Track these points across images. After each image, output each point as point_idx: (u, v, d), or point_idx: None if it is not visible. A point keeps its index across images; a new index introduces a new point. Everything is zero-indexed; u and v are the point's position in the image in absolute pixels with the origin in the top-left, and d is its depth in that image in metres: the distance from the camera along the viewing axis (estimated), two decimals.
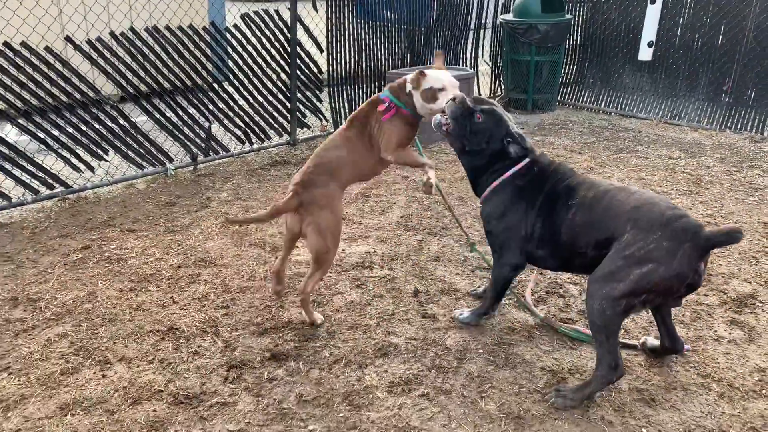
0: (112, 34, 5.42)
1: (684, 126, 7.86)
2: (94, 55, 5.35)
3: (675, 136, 7.42)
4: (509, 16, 8.33)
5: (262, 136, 6.64)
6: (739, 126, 7.58)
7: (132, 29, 5.53)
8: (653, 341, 3.22)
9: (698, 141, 7.23)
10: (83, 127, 5.34)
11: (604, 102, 8.71)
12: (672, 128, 7.81)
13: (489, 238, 3.33)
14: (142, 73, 5.65)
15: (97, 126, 5.41)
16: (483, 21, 8.88)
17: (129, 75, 5.58)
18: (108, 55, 5.43)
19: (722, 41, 7.68)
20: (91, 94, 5.37)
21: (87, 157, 5.41)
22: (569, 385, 2.93)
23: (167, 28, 5.70)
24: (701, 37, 7.84)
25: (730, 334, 3.43)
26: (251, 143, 6.58)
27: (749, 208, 5.19)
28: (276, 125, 6.73)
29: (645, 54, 8.13)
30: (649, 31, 8.01)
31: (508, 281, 3.31)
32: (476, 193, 3.43)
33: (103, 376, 3.02)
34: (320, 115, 7.19)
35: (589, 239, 2.88)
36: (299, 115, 6.92)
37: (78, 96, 5.28)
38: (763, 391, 2.95)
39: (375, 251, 4.37)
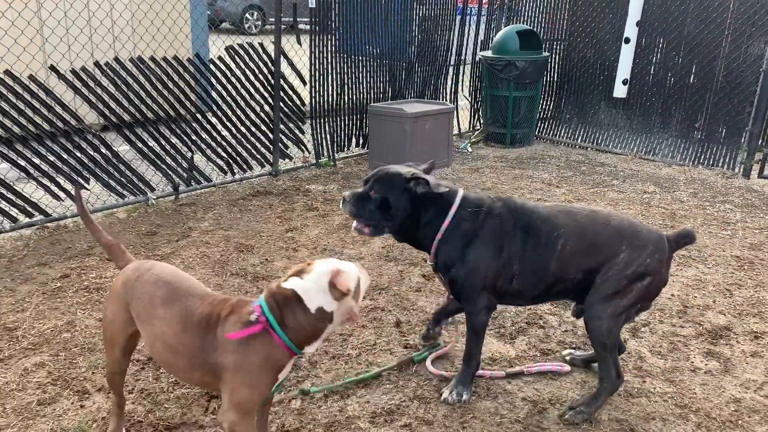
0: (96, 63, 5.46)
1: (658, 161, 8.05)
2: (78, 84, 5.37)
3: (649, 171, 7.59)
4: (488, 53, 8.52)
5: (245, 166, 6.67)
6: (711, 162, 7.78)
7: (116, 59, 5.57)
8: (581, 353, 3.50)
9: (672, 176, 7.40)
10: (65, 156, 5.32)
11: (580, 137, 8.90)
12: (646, 163, 7.99)
13: (453, 288, 3.08)
14: (125, 103, 5.67)
15: (78, 154, 5.40)
16: (463, 57, 9.08)
17: (112, 104, 5.59)
18: (92, 84, 5.45)
19: (694, 80, 7.94)
20: (73, 122, 5.37)
21: (67, 186, 5.39)
22: (579, 401, 3.04)
23: (151, 58, 5.74)
24: (674, 76, 8.10)
25: (706, 365, 3.49)
26: (233, 173, 6.60)
27: (722, 241, 5.31)
28: (258, 156, 6.77)
29: (620, 91, 8.37)
30: (624, 69, 8.26)
31: (485, 325, 3.10)
32: (423, 249, 3.14)
33: (81, 406, 2.98)
34: (302, 147, 7.25)
35: (579, 266, 2.96)
36: (282, 146, 6.97)
37: (60, 124, 5.28)
38: (740, 422, 3.01)
39: None
